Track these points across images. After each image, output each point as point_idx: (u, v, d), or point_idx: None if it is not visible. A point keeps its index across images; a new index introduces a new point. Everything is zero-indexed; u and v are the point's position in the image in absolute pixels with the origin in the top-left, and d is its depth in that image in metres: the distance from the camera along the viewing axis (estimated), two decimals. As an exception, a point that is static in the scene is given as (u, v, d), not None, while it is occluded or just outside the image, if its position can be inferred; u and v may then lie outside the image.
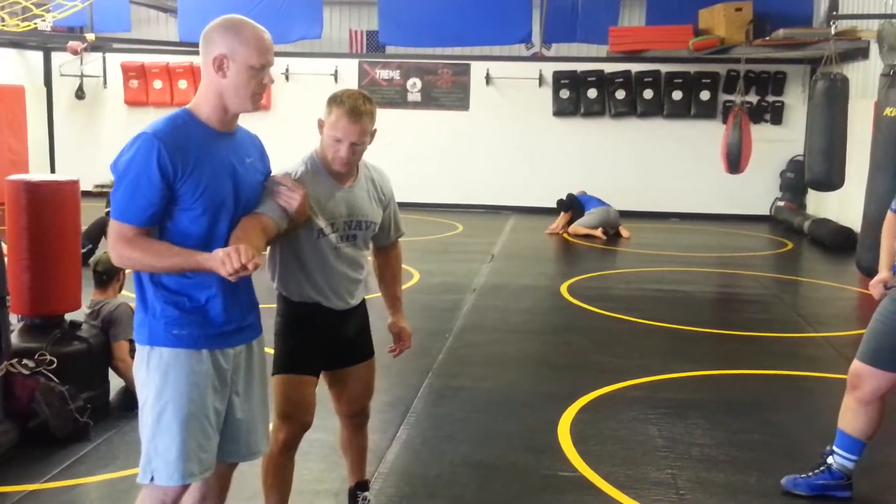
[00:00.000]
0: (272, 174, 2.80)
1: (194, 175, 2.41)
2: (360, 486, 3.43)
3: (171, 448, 2.47)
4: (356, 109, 2.87)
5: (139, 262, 2.43)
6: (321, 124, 2.94)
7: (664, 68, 14.16)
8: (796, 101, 14.00)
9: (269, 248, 3.01)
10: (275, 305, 3.10)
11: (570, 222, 12.09)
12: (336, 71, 14.65)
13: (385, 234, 3.23)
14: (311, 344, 3.06)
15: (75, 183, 4.66)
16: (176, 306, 2.48)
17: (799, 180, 13.32)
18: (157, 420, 2.48)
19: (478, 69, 14.66)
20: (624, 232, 12.00)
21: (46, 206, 4.48)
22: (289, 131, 14.00)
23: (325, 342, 3.09)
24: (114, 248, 2.43)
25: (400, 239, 3.33)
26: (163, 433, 2.48)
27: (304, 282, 3.01)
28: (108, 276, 4.97)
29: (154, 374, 2.49)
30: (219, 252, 2.34)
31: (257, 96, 2.50)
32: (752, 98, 13.90)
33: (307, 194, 2.79)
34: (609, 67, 14.29)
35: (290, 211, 2.71)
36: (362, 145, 2.92)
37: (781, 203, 13.82)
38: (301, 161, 2.98)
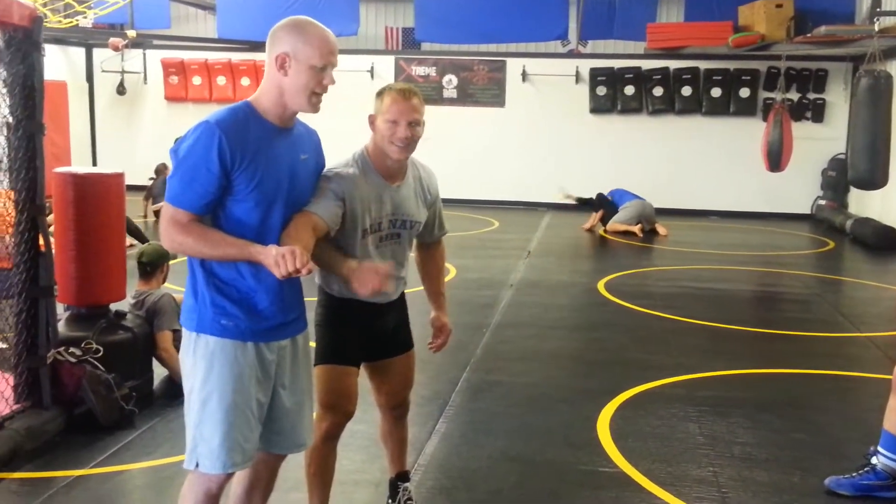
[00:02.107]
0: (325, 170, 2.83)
1: (251, 167, 2.43)
2: (401, 476, 3.45)
3: (214, 436, 2.49)
4: (406, 89, 2.92)
5: (191, 248, 2.44)
6: (372, 119, 2.95)
7: (703, 65, 14.03)
8: (838, 99, 13.81)
9: None
10: (316, 298, 3.12)
11: (602, 220, 12.03)
12: (372, 67, 14.71)
13: (429, 231, 3.24)
14: (351, 335, 3.08)
15: (121, 176, 4.73)
16: (225, 296, 2.50)
17: (841, 179, 13.13)
18: (202, 408, 2.51)
19: (514, 66, 14.63)
20: (661, 229, 11.91)
21: (93, 198, 4.56)
22: (325, 127, 14.08)
23: (365, 334, 3.11)
24: (166, 232, 2.44)
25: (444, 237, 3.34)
26: (207, 421, 2.50)
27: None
28: (152, 268, 5.04)
29: (200, 363, 2.51)
30: (272, 250, 2.35)
31: (316, 97, 2.51)
32: (793, 95, 13.72)
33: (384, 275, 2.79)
34: (647, 64, 14.19)
35: (360, 294, 2.74)
36: (419, 126, 2.93)
37: (823, 202, 13.63)
38: (352, 159, 2.97)
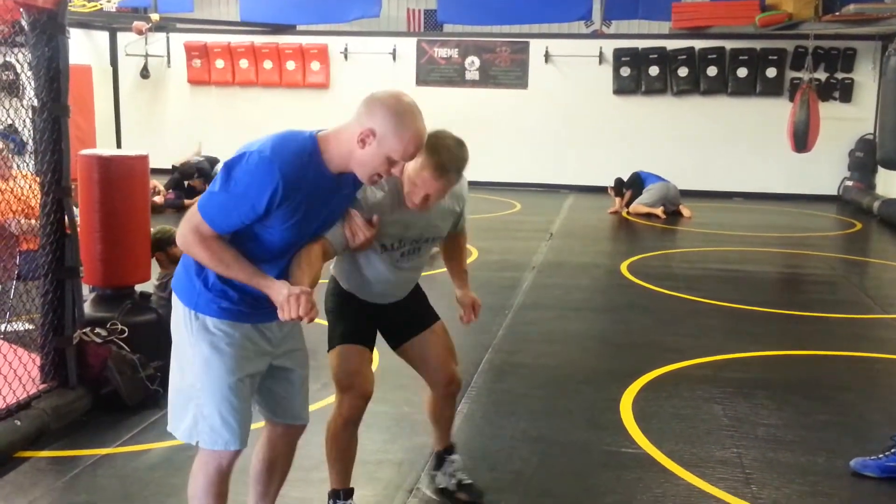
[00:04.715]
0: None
1: (293, 205, 2.38)
2: (448, 450, 3.48)
3: (213, 414, 2.51)
4: (443, 166, 2.70)
5: (202, 259, 2.43)
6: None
7: (729, 45, 13.86)
8: (866, 79, 13.60)
9: None
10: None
11: (630, 201, 11.95)
12: (394, 50, 14.67)
13: (452, 227, 3.24)
14: (363, 318, 3.11)
15: (145, 158, 4.75)
16: (225, 282, 2.48)
17: (868, 159, 12.96)
18: (198, 384, 2.52)
19: (537, 47, 14.53)
20: (685, 211, 11.82)
21: (118, 180, 4.58)
22: (347, 110, 14.08)
23: (379, 319, 3.15)
24: (184, 235, 2.41)
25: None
26: (206, 398, 2.51)
27: (359, 283, 3.06)
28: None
29: (198, 340, 2.51)
30: (284, 290, 2.34)
31: (377, 178, 2.45)
32: (821, 75, 13.53)
33: (377, 227, 2.74)
34: (671, 44, 14.04)
35: (351, 242, 2.69)
36: (439, 201, 2.83)
37: (850, 183, 13.47)
38: (384, 181, 2.82)
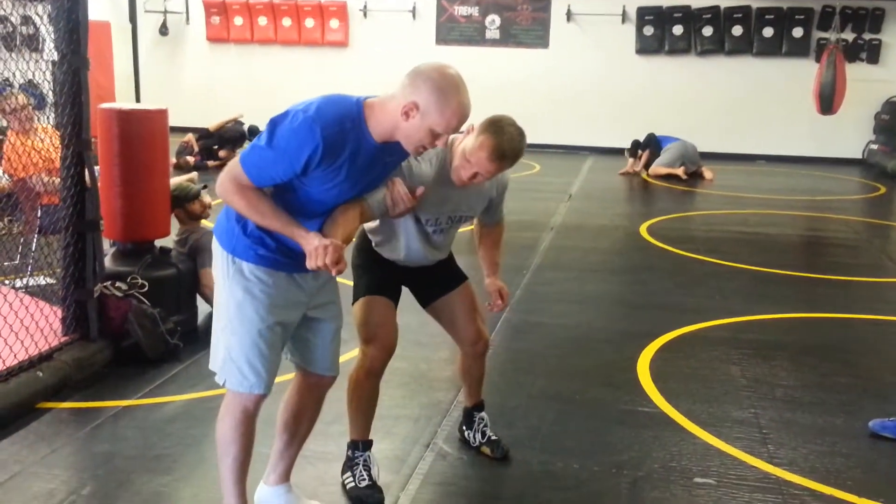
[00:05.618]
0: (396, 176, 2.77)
1: (332, 169, 2.40)
2: (477, 407, 3.54)
3: (240, 357, 2.56)
4: (502, 152, 2.77)
5: (238, 207, 2.47)
6: (468, 130, 2.83)
7: (755, 3, 13.62)
8: (895, 40, 13.32)
9: None
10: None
11: (648, 162, 11.85)
12: (414, 7, 14.51)
13: (490, 215, 3.26)
14: (389, 272, 3.13)
15: (164, 112, 4.74)
16: (266, 232, 2.52)
17: (894, 122, 12.75)
18: (232, 328, 2.56)
19: (558, 5, 14.33)
20: (707, 174, 11.71)
21: (137, 134, 4.58)
22: (366, 67, 14.05)
23: (406, 278, 3.18)
24: (224, 182, 2.46)
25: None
26: (236, 342, 2.55)
27: (390, 247, 3.09)
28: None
29: (233, 284, 2.55)
30: (315, 239, 2.38)
31: (422, 149, 2.47)
32: (848, 35, 13.26)
33: (420, 200, 2.76)
34: (696, 3, 13.82)
35: (391, 210, 2.72)
36: (487, 179, 2.88)
37: (875, 146, 13.27)
38: (433, 153, 2.85)
